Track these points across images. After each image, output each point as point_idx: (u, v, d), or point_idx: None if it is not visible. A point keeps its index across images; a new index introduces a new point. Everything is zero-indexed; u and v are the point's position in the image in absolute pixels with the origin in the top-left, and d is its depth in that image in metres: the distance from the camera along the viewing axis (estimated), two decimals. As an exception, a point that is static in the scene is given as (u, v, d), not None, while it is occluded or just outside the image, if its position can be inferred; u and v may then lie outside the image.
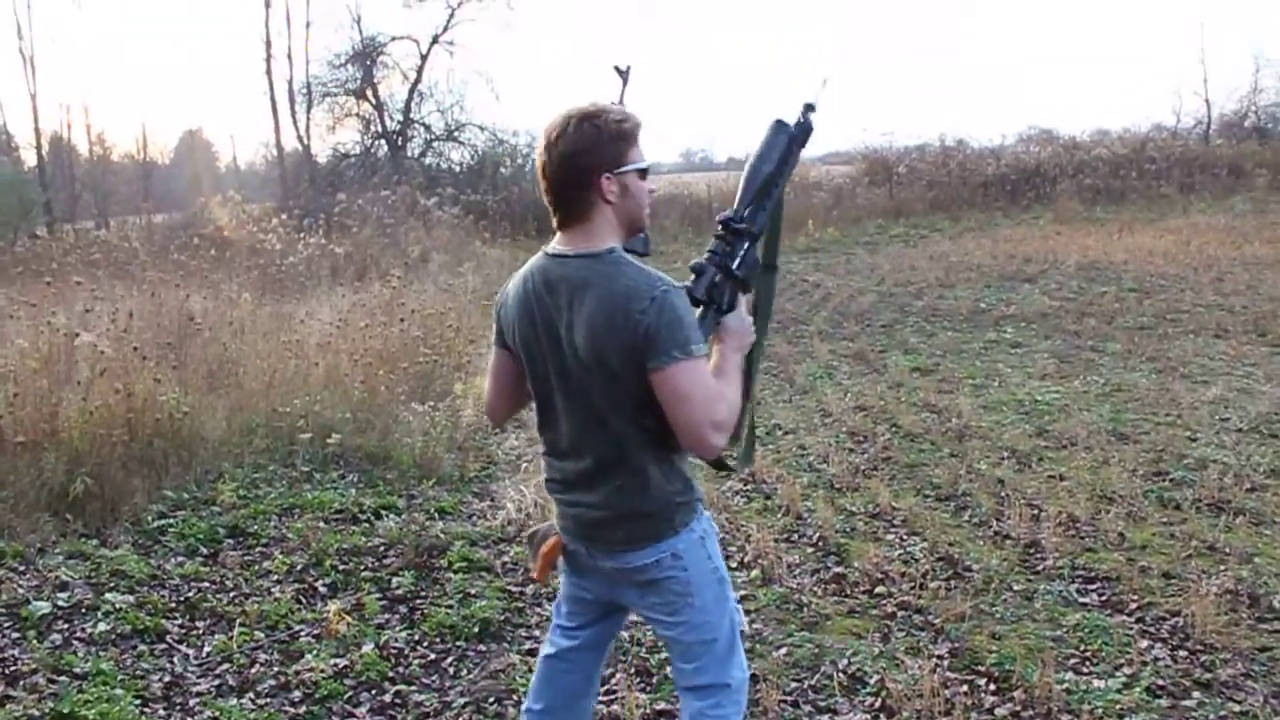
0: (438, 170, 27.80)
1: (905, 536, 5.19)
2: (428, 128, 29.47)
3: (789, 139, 2.46)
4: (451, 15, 28.48)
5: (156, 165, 35.40)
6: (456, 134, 29.35)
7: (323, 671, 3.91)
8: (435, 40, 28.45)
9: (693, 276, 2.41)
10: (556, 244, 2.34)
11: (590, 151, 2.25)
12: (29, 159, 27.39)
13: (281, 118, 28.77)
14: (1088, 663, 3.83)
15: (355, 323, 9.50)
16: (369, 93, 28.84)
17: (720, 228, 2.43)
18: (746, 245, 2.43)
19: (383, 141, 29.09)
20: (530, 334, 2.35)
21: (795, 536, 5.30)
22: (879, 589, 4.55)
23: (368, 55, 28.49)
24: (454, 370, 8.81)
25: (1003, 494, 5.68)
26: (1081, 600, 4.38)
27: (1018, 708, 3.51)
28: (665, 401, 2.20)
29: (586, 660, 2.65)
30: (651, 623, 2.58)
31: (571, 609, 2.63)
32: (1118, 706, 3.50)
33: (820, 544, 5.15)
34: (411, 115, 29.05)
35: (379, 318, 9.77)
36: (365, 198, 21.60)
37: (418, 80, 28.77)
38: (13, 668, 3.91)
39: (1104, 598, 4.40)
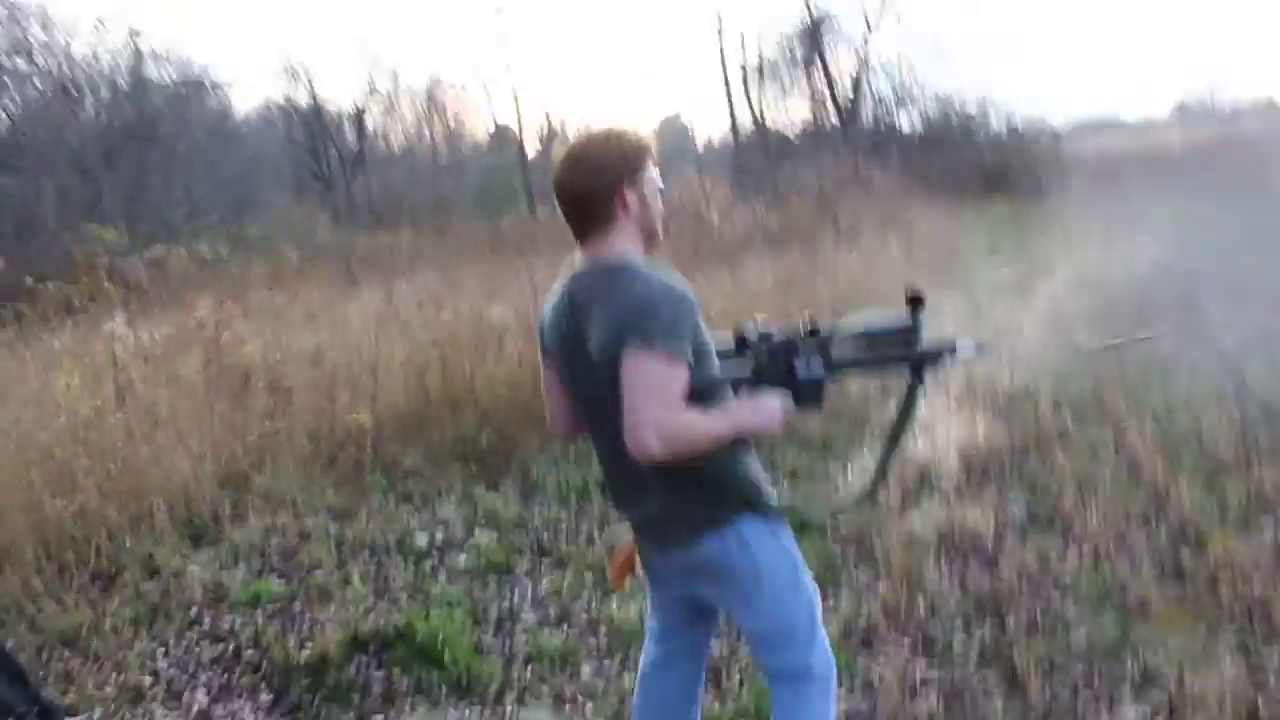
0: (886, 138, 27.61)
1: (1281, 527, 4.61)
2: (879, 100, 29.38)
3: (926, 348, 2.55)
4: (899, -18, 28.08)
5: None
6: (906, 101, 29.00)
7: (629, 615, 4.23)
8: (883, 9, 28.19)
9: (757, 336, 2.45)
10: (579, 260, 2.41)
11: (614, 165, 2.34)
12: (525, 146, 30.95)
13: (735, 97, 29.93)
14: None
15: (763, 289, 9.87)
16: (818, 68, 29.21)
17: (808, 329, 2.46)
18: (812, 357, 2.45)
19: (833, 112, 29.37)
20: (563, 350, 2.42)
21: (1151, 519, 4.87)
22: (1223, 578, 4.11)
23: (817, 31, 28.83)
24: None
25: None
26: None
27: (1337, 726, 3.08)
28: (623, 388, 2.21)
29: (680, 669, 2.67)
30: (730, 614, 2.57)
31: (662, 618, 2.67)
32: None
33: (1178, 528, 4.70)
34: (860, 86, 29.06)
35: (781, 285, 10.06)
36: (809, 170, 22.02)
37: (866, 53, 28.71)
38: (387, 586, 4.63)
39: None
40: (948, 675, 3.63)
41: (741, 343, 2.45)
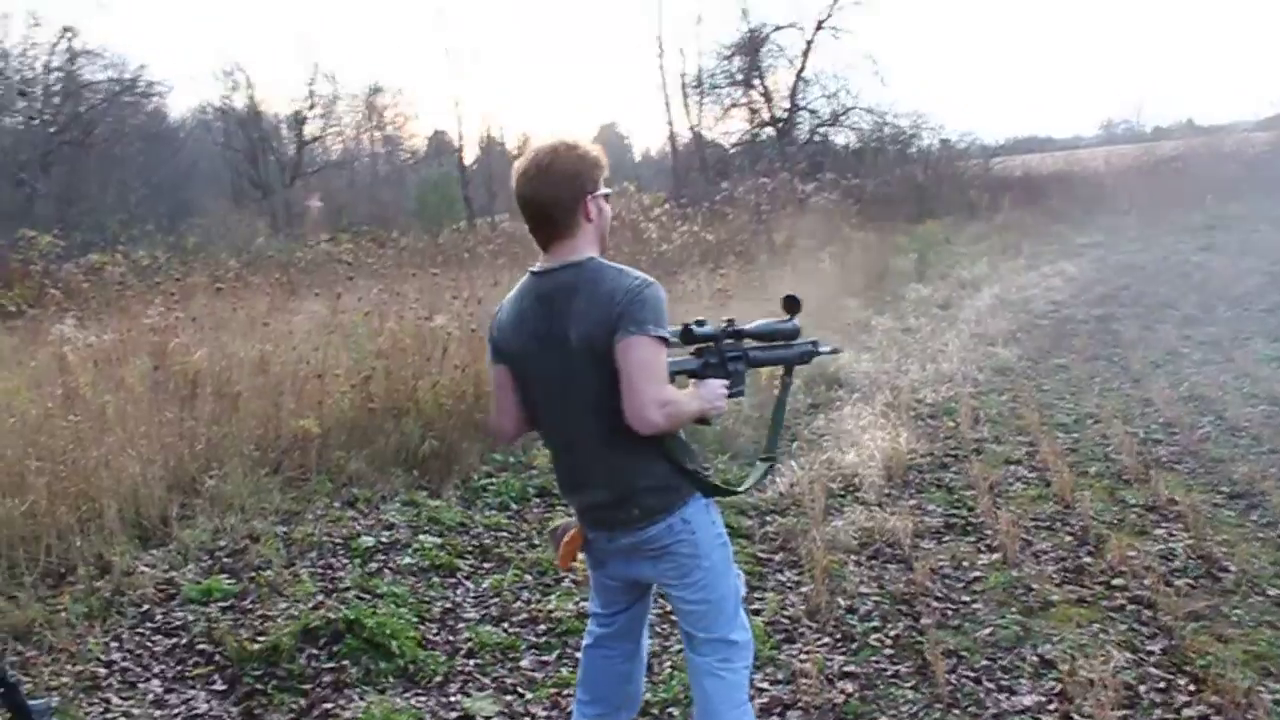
0: (821, 155, 28.12)
1: (1173, 533, 4.98)
2: (813, 113, 29.95)
3: (802, 347, 2.98)
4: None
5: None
6: (842, 118, 29.60)
7: (567, 611, 4.48)
8: (820, 25, 28.80)
9: (697, 323, 2.75)
10: (542, 263, 2.62)
11: (581, 175, 2.55)
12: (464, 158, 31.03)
13: (674, 110, 30.31)
14: (1318, 675, 3.60)
15: (699, 305, 10.15)
16: (756, 81, 29.73)
17: (726, 324, 2.81)
18: (738, 352, 2.82)
19: (770, 129, 29.86)
20: (526, 346, 2.62)
21: (1057, 524, 5.23)
22: (1118, 581, 4.45)
23: (754, 45, 29.34)
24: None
25: (1309, 494, 5.25)
26: (1346, 610, 4.06)
27: (1208, 710, 3.40)
28: (621, 370, 2.45)
29: (624, 645, 2.90)
30: (665, 589, 2.80)
31: (602, 599, 2.90)
32: (1326, 722, 3.30)
33: (1080, 533, 5.06)
34: (797, 102, 29.62)
35: (717, 301, 10.35)
36: (745, 185, 22.34)
37: (803, 67, 29.30)
38: (335, 584, 4.80)
39: (1377, 609, 4.05)
40: (864, 666, 3.91)
41: (688, 338, 2.74)
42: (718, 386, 2.70)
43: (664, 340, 2.48)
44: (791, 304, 2.87)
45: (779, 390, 3.04)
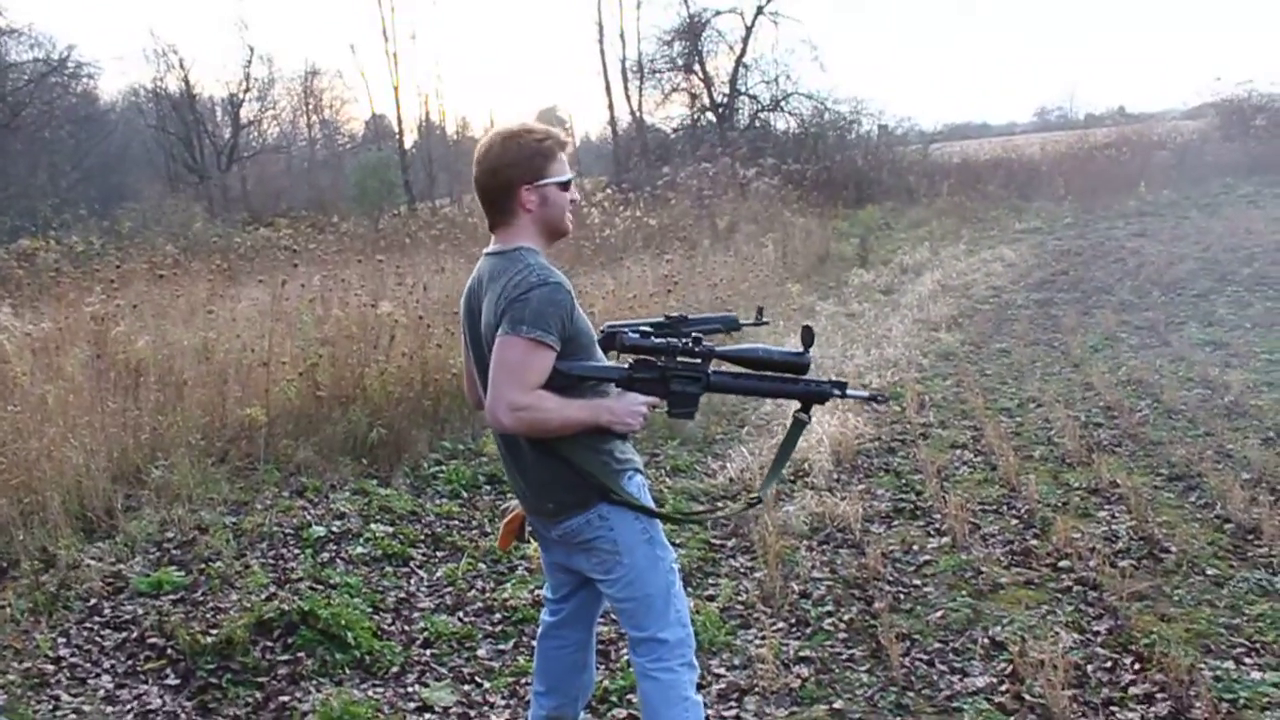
0: (762, 140, 28.23)
1: (1116, 515, 5.09)
2: (754, 99, 30.04)
3: (813, 386, 2.63)
4: (777, -16, 28.72)
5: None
6: (782, 104, 29.72)
7: (522, 599, 4.48)
8: (760, 11, 28.89)
9: (639, 333, 2.58)
10: (490, 245, 2.63)
11: (511, 166, 2.53)
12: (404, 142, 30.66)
13: (615, 95, 30.24)
14: (1255, 654, 3.70)
15: (644, 291, 10.16)
16: (696, 67, 29.74)
17: (691, 340, 2.59)
18: (690, 372, 2.58)
19: (710, 114, 29.91)
20: (468, 323, 2.67)
21: (1004, 508, 5.33)
22: (1064, 563, 4.55)
23: (695, 30, 29.34)
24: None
25: (1242, 476, 5.39)
26: (1280, 589, 4.19)
27: (1152, 688, 3.49)
28: (490, 365, 2.45)
29: (574, 634, 2.91)
30: (597, 585, 2.76)
31: (552, 582, 2.91)
32: (1265, 699, 3.39)
33: (1026, 516, 5.16)
34: (738, 87, 29.69)
35: (662, 287, 10.36)
36: (687, 170, 22.39)
37: (743, 52, 29.37)
38: (287, 575, 4.75)
39: (1310, 588, 4.18)
40: (819, 651, 3.96)
41: (615, 343, 2.61)
42: (635, 404, 2.55)
43: (539, 343, 2.40)
44: (807, 336, 2.61)
45: (789, 429, 2.76)
